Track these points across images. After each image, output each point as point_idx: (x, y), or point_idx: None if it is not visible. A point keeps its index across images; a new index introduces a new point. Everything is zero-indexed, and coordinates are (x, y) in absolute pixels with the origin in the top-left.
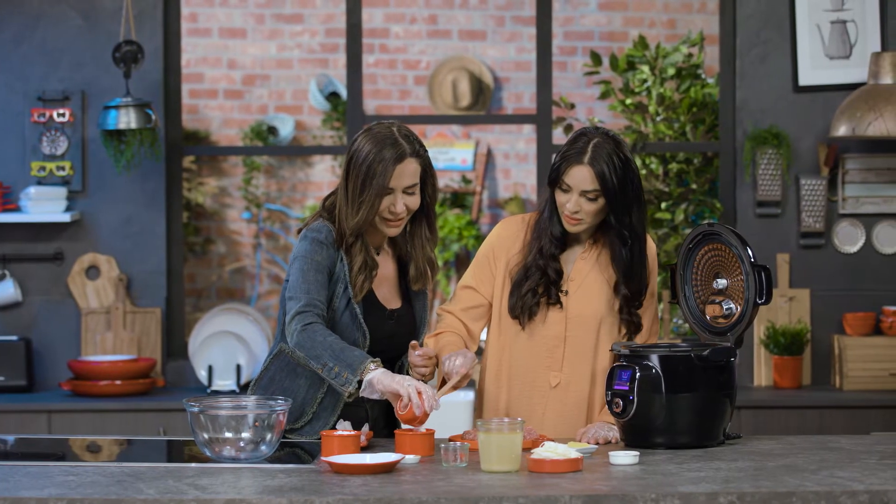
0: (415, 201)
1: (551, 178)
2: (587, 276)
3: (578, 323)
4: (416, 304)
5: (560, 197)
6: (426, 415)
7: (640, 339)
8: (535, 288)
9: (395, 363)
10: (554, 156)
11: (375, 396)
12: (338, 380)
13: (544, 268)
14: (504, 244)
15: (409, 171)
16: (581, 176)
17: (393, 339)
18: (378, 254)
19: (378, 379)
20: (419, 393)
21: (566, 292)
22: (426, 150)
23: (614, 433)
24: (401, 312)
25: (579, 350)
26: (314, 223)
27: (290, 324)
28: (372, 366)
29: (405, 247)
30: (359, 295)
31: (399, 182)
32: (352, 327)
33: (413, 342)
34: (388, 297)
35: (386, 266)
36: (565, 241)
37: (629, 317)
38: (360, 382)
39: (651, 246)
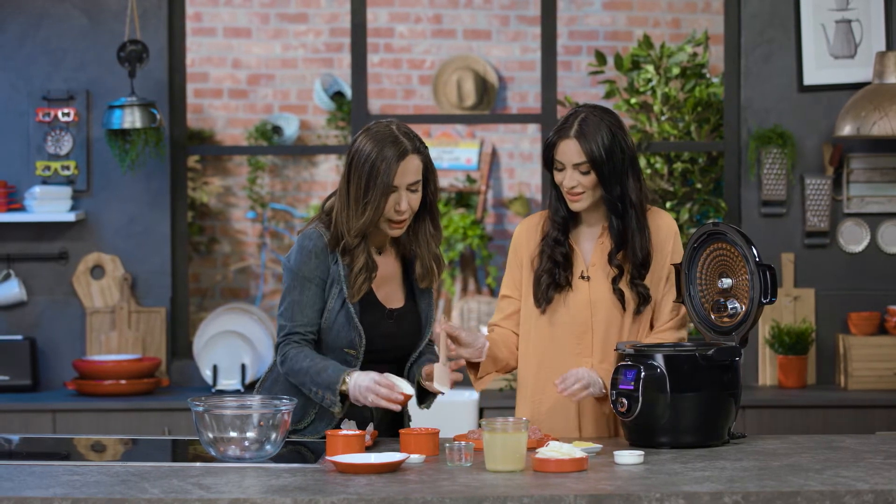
0: (418, 199)
1: (545, 160)
2: (604, 260)
3: (603, 307)
4: (421, 303)
5: (557, 176)
6: (405, 399)
7: (661, 325)
8: (547, 272)
9: (404, 364)
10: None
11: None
12: (325, 402)
13: (551, 252)
14: (523, 241)
15: (411, 168)
16: (569, 149)
17: (393, 339)
18: (380, 253)
19: (352, 394)
20: (383, 396)
21: (588, 278)
22: (426, 147)
23: (598, 387)
24: (402, 312)
25: (608, 335)
26: (307, 228)
27: (276, 355)
28: (347, 379)
29: (409, 245)
30: (356, 296)
31: (403, 179)
32: (347, 328)
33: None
34: (390, 296)
35: (389, 265)
36: (568, 224)
37: (633, 287)
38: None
39: (666, 221)
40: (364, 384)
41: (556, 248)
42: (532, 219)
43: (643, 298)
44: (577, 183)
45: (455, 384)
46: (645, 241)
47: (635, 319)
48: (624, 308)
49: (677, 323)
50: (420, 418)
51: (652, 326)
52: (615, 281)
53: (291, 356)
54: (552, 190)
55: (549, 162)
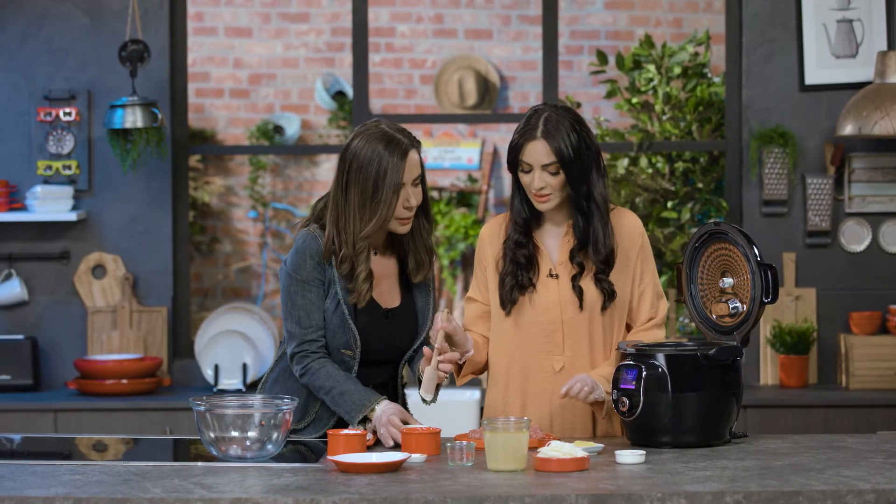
0: (420, 193)
1: (510, 162)
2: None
3: (573, 305)
4: (418, 299)
5: (524, 178)
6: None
7: (639, 326)
8: (510, 274)
9: (399, 365)
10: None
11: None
12: (346, 419)
13: (513, 255)
14: (487, 244)
15: (414, 163)
16: (537, 151)
17: (389, 339)
18: (376, 254)
19: (376, 421)
20: (394, 429)
21: (557, 276)
22: (419, 141)
23: (599, 392)
24: (398, 311)
25: (578, 332)
26: (302, 230)
27: (292, 365)
28: (377, 407)
29: (405, 240)
30: (362, 301)
31: (409, 175)
32: (342, 330)
33: (426, 349)
34: (386, 294)
35: (384, 264)
36: (530, 225)
37: (598, 284)
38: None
39: (631, 221)
40: (384, 420)
41: (518, 250)
42: (495, 221)
43: (608, 294)
44: (546, 184)
45: (440, 383)
46: (608, 238)
47: (604, 315)
48: (582, 306)
49: (656, 324)
50: (422, 418)
51: (629, 328)
52: (575, 279)
53: (314, 370)
54: (515, 191)
55: (514, 164)
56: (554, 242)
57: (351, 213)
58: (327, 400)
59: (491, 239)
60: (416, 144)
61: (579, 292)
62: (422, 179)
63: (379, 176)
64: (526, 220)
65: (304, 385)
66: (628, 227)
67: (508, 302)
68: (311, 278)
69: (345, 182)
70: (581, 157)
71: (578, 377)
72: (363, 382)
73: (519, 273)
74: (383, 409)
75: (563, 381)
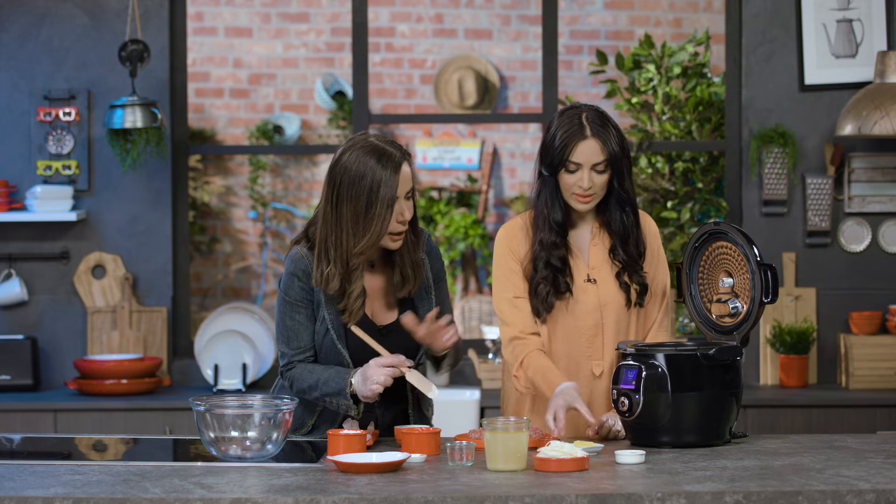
0: (412, 206)
1: (555, 163)
2: (605, 261)
3: (613, 309)
4: (420, 309)
5: (568, 179)
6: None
7: (654, 329)
8: (544, 280)
9: (402, 377)
10: (539, 144)
11: (377, 394)
12: (342, 409)
13: (547, 258)
14: (512, 243)
15: (406, 176)
16: (589, 150)
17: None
18: (373, 266)
19: (359, 391)
20: (388, 370)
21: (594, 280)
22: (409, 153)
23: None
24: (395, 325)
25: (618, 334)
26: (292, 249)
27: (283, 382)
28: (352, 381)
29: (395, 255)
30: (353, 319)
31: (403, 189)
32: (334, 352)
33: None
34: (381, 311)
35: (376, 280)
36: (566, 227)
37: (634, 278)
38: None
39: (650, 223)
40: (368, 371)
41: (554, 251)
42: (512, 224)
43: (643, 287)
44: (593, 183)
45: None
46: (641, 233)
47: (639, 312)
48: (629, 299)
49: (661, 326)
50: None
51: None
52: (619, 275)
53: (297, 376)
54: (550, 194)
55: (559, 165)
56: (584, 246)
57: (343, 230)
58: (320, 396)
59: (518, 237)
60: (407, 157)
61: (626, 288)
62: (412, 193)
63: (372, 191)
64: (562, 221)
65: (300, 397)
66: (646, 229)
67: (544, 310)
68: (300, 299)
69: (335, 198)
70: (625, 153)
71: (604, 418)
72: None
73: (556, 277)
74: (357, 378)
75: (604, 387)
